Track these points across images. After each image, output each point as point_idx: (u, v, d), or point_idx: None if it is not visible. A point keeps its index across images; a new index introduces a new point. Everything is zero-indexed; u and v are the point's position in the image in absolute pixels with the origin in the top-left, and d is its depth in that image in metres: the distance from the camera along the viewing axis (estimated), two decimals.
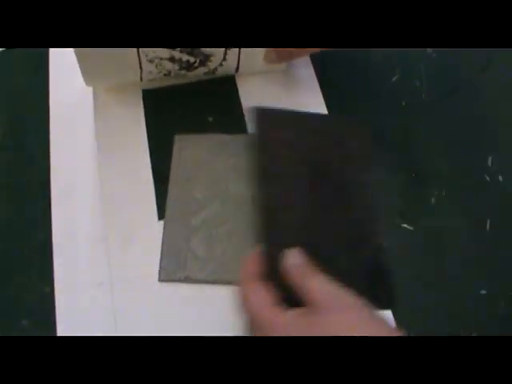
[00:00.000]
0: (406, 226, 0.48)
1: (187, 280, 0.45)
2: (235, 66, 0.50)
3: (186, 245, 0.46)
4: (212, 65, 0.48)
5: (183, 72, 0.49)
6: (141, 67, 0.47)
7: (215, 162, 0.49)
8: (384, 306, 0.35)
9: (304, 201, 0.34)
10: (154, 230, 0.47)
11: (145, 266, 0.46)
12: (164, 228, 0.47)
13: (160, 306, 0.44)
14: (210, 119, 0.52)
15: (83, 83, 0.50)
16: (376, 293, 0.33)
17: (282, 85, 0.53)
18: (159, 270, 0.45)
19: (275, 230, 0.33)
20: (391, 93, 0.54)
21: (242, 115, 0.52)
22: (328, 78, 0.54)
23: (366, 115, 0.52)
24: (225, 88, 0.53)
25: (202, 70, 0.49)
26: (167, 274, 0.45)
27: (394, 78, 0.54)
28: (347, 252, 0.34)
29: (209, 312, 0.44)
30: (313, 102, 0.52)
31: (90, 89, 0.53)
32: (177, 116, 0.52)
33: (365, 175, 0.37)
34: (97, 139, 0.51)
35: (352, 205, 0.36)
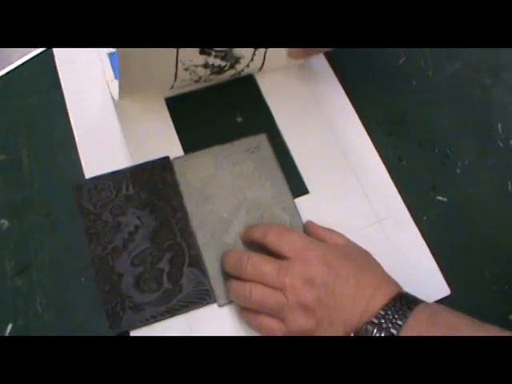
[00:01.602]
0: (440, 198, 0.51)
1: None
2: (260, 65, 0.51)
3: None
4: (240, 67, 0.49)
5: (212, 76, 0.49)
6: (176, 76, 0.47)
7: (223, 175, 0.50)
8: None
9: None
10: None
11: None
12: (202, 255, 0.47)
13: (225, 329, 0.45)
14: (239, 119, 0.53)
15: (101, 96, 0.50)
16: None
17: (301, 78, 0.55)
18: (215, 297, 0.45)
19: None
20: (401, 74, 0.57)
21: (269, 111, 0.53)
22: (340, 65, 0.56)
23: (382, 97, 0.55)
24: (246, 87, 0.54)
25: (229, 73, 0.50)
26: (224, 298, 0.45)
27: (401, 61, 0.57)
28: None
29: None
30: (332, 90, 0.55)
31: (110, 101, 0.52)
32: (205, 119, 0.53)
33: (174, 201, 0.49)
34: (129, 151, 0.51)
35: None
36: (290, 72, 0.55)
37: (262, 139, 0.51)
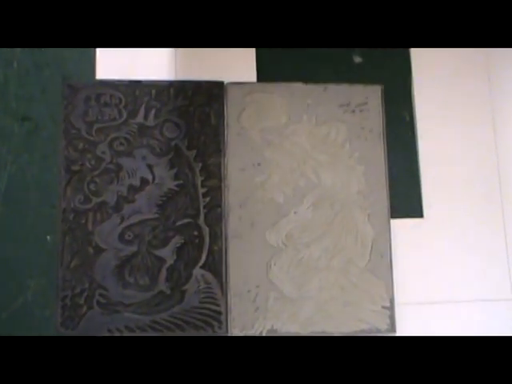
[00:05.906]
0: None
1: (272, 333, 0.32)
2: None
3: (265, 276, 0.32)
4: None
5: None
6: None
7: (296, 132, 0.33)
8: None
9: None
10: None
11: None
12: (225, 250, 0.32)
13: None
14: (357, 60, 0.35)
15: None
16: None
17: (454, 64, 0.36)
18: (228, 324, 0.31)
19: None
20: None
21: (409, 69, 0.36)
22: None
23: None
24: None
25: None
26: (241, 326, 0.31)
27: None
28: None
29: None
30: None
31: None
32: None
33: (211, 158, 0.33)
34: (175, 62, 0.34)
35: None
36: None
37: (373, 93, 0.34)
